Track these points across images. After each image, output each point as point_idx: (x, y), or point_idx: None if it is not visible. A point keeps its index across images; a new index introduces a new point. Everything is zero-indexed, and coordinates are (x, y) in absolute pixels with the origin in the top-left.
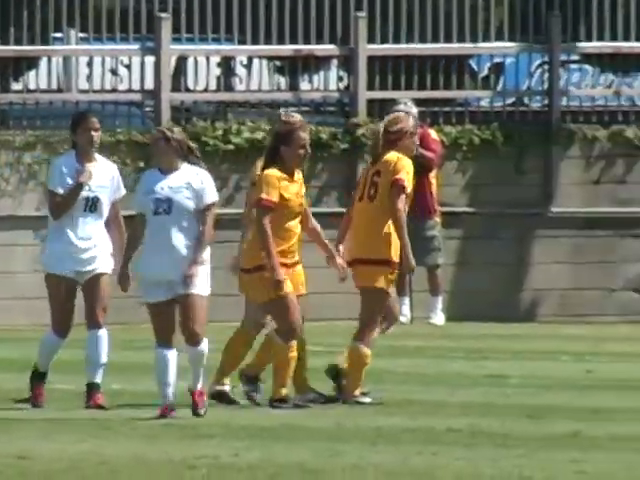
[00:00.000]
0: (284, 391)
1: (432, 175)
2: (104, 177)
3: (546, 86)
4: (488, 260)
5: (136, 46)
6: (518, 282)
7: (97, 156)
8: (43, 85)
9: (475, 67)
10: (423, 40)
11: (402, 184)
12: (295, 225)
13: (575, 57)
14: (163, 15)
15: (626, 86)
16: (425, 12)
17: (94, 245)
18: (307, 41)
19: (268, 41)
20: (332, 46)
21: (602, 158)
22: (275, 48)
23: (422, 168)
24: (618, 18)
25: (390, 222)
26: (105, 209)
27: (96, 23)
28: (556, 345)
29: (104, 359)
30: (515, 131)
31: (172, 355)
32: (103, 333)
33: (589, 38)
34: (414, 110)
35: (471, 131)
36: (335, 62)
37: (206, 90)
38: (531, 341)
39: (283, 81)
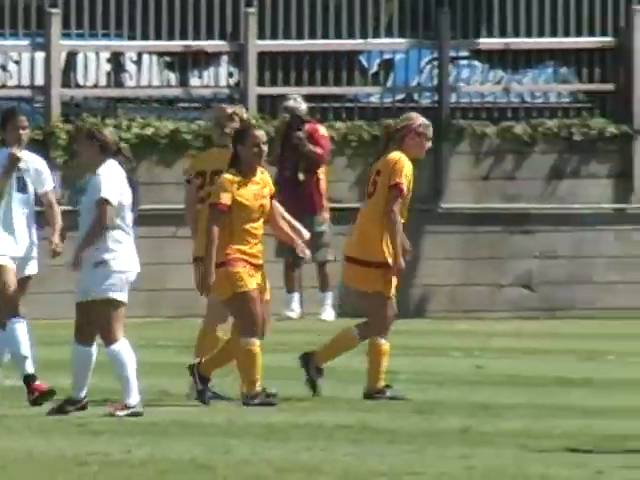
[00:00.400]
0: (258, 388)
1: (321, 171)
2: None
3: (436, 82)
4: None
5: (26, 42)
6: (408, 278)
7: (26, 152)
8: None
9: (365, 63)
10: (313, 36)
11: (400, 188)
12: (257, 227)
13: (464, 53)
14: (53, 11)
15: (515, 83)
16: (315, 8)
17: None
18: (197, 37)
19: (158, 37)
20: (222, 42)
21: (491, 154)
22: (165, 44)
23: (311, 164)
24: (507, 14)
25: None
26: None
27: None
28: (446, 341)
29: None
30: None
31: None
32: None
33: (478, 34)
34: (303, 106)
35: (361, 127)
36: (225, 58)
37: (96, 86)
38: (421, 337)
39: (173, 77)
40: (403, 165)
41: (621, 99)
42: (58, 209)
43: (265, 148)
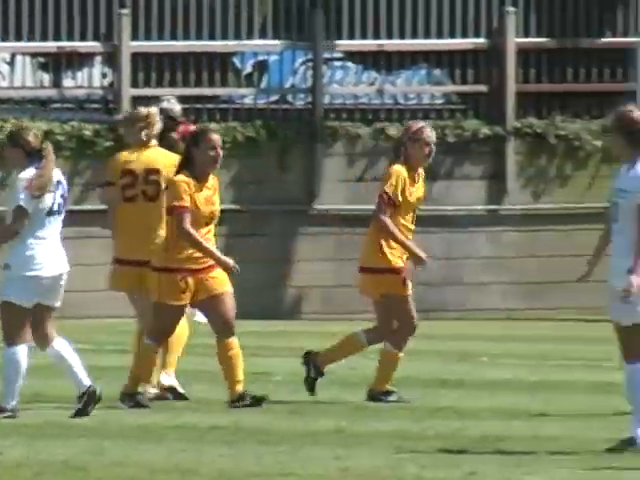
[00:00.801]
0: (241, 388)
1: None
2: None
3: (309, 84)
4: (253, 257)
5: None
6: (282, 279)
7: None
8: None
9: (239, 65)
10: (187, 37)
11: (382, 197)
12: (205, 232)
13: (338, 55)
14: None
15: (389, 84)
16: (189, 9)
17: None
18: (71, 38)
19: (32, 38)
20: (96, 43)
21: (365, 156)
22: (38, 45)
23: None
24: (381, 16)
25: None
26: None
27: None
28: (320, 342)
29: None
30: (279, 129)
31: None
32: None
33: (352, 36)
34: (177, 107)
35: (235, 128)
36: (99, 59)
37: None
38: (295, 338)
39: (47, 78)
40: (390, 176)
41: (494, 101)
42: None
43: (221, 152)
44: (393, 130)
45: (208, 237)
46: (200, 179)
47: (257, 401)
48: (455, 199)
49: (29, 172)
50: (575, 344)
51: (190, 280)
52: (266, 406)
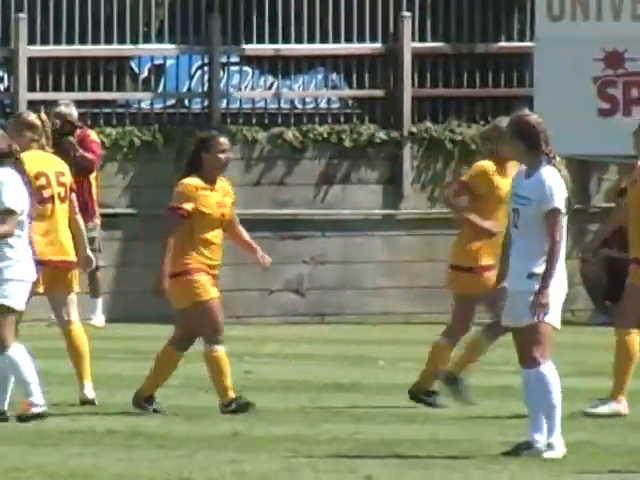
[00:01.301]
0: (232, 393)
1: (92, 176)
2: None
3: (206, 88)
4: (149, 261)
5: None
6: None
7: None
8: None
9: (136, 69)
10: (83, 42)
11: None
12: (216, 235)
13: (235, 59)
14: None
15: (286, 88)
16: (85, 14)
17: None
18: None
19: None
20: None
21: (262, 160)
22: None
23: (82, 170)
24: (278, 20)
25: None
26: None
27: None
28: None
29: None
30: (176, 133)
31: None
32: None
33: (249, 40)
34: (74, 111)
35: (132, 132)
36: None
37: None
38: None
39: None
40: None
41: (390, 105)
42: None
43: (231, 155)
44: (290, 135)
45: (218, 242)
46: (209, 182)
47: (246, 406)
48: (352, 203)
49: (7, 174)
50: None
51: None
52: (163, 411)
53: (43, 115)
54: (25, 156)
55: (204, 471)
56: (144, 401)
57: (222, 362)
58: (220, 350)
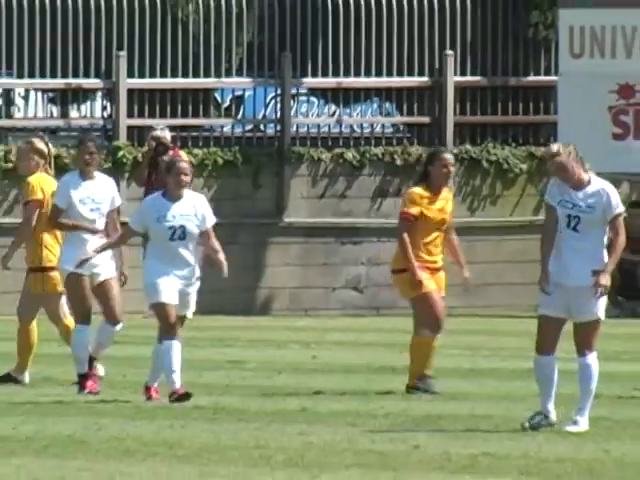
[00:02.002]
0: (427, 371)
1: None
2: (104, 191)
3: (279, 115)
4: (230, 263)
5: None
6: (255, 281)
7: (96, 173)
8: None
9: (219, 98)
10: (175, 75)
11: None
12: (437, 236)
13: (303, 90)
14: None
15: (346, 115)
16: (177, 50)
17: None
18: (76, 75)
19: (43, 75)
20: (97, 80)
21: (326, 176)
22: (48, 81)
23: None
24: (339, 56)
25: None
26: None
27: None
28: (287, 335)
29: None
30: (252, 153)
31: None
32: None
33: (315, 74)
34: (168, 135)
35: (215, 153)
36: (100, 93)
37: None
38: (266, 332)
39: (55, 110)
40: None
41: (435, 130)
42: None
43: (452, 169)
44: (349, 155)
45: (438, 242)
46: (434, 191)
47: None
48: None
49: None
50: (507, 336)
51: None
52: (242, 389)
53: (48, 143)
54: (36, 177)
55: (276, 441)
56: (419, 381)
57: (430, 349)
58: (432, 338)
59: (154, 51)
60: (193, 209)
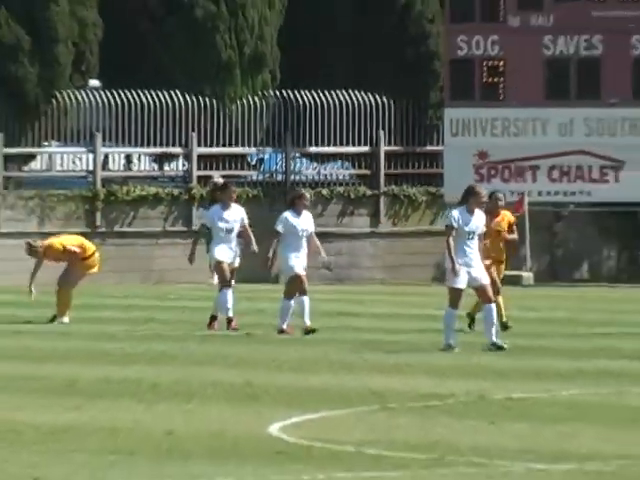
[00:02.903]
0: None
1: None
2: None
3: (284, 169)
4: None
5: None
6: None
7: (232, 203)
8: None
9: (249, 159)
10: (224, 145)
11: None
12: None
13: (298, 155)
14: None
15: (322, 169)
16: (226, 129)
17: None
18: (167, 145)
19: (148, 145)
20: (179, 148)
21: (311, 205)
22: (154, 150)
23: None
24: (319, 135)
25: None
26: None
27: None
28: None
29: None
30: (269, 191)
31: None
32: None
33: (305, 145)
34: (221, 180)
35: (246, 191)
36: (181, 156)
37: None
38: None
39: (155, 166)
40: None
41: (374, 178)
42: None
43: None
44: (324, 191)
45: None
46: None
47: None
48: (354, 223)
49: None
50: None
51: None
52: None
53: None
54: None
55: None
56: None
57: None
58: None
59: (213, 131)
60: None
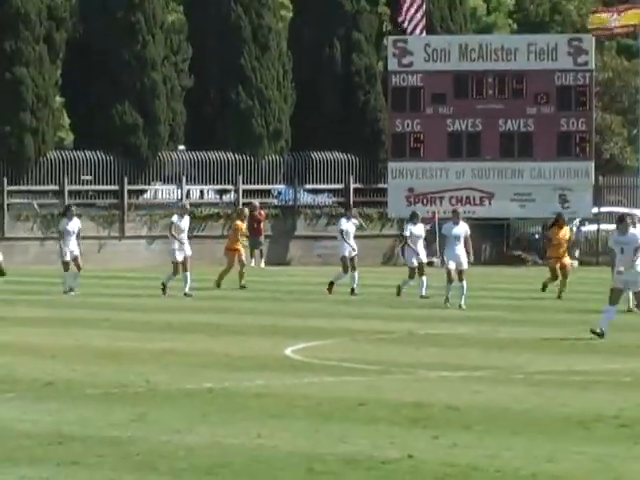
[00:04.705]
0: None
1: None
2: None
3: (293, 197)
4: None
5: None
6: (282, 257)
7: None
8: None
9: (274, 193)
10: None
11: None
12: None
13: (304, 189)
14: None
15: (317, 198)
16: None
17: None
18: (223, 182)
19: (213, 182)
20: (231, 186)
21: (311, 219)
22: (216, 186)
23: (256, 222)
24: (313, 177)
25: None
26: None
27: None
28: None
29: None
30: (286, 211)
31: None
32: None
33: (309, 182)
34: (257, 204)
35: (271, 212)
36: (233, 190)
37: None
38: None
39: (216, 197)
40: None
41: (346, 203)
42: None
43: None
44: (317, 211)
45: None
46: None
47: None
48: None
49: None
50: None
51: None
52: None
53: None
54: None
55: None
56: None
57: None
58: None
59: (252, 176)
60: None
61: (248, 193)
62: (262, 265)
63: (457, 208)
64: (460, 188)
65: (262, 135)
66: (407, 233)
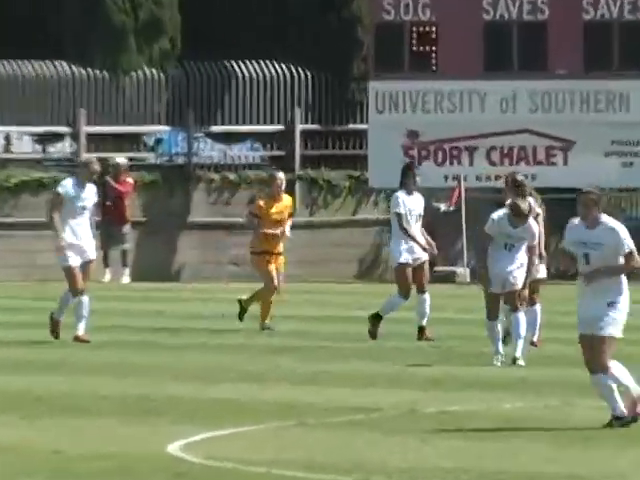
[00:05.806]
0: None
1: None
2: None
3: (186, 150)
4: (152, 247)
5: None
6: (170, 257)
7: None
8: None
9: (146, 140)
10: (117, 124)
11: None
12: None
13: (201, 135)
14: None
15: (229, 150)
16: (120, 104)
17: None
18: (52, 123)
19: (32, 124)
20: (67, 128)
21: (216, 191)
22: (37, 129)
23: (117, 195)
24: (225, 111)
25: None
26: None
27: None
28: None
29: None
30: (169, 176)
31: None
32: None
33: (209, 123)
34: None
35: (143, 175)
36: (68, 137)
37: None
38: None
39: (39, 147)
40: None
41: (288, 160)
42: None
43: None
44: (232, 176)
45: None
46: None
47: None
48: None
49: None
50: None
51: None
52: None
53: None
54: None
55: None
56: None
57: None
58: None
59: (104, 107)
60: None
61: (97, 141)
62: (125, 279)
63: (517, 175)
64: (507, 132)
65: (125, 29)
66: (400, 209)
